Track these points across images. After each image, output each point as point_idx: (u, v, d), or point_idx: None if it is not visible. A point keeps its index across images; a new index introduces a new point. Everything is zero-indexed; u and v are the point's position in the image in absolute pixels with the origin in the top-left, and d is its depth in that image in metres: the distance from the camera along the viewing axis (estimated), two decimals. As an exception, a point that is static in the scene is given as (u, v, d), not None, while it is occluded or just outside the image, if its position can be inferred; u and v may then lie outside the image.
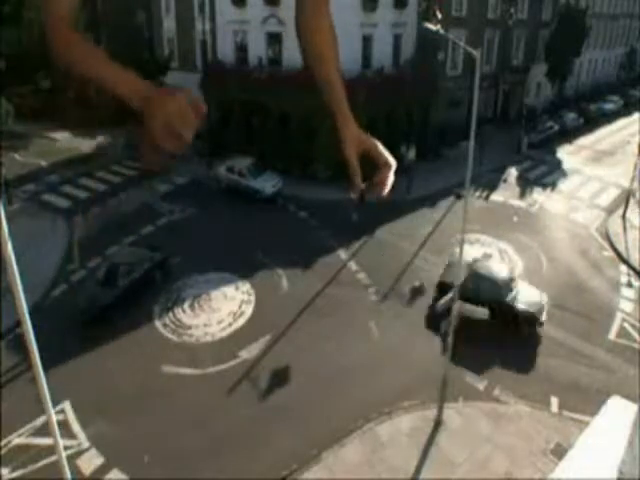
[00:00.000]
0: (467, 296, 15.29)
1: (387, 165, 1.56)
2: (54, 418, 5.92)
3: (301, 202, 26.05)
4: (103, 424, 13.61)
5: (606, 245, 23.67)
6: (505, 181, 30.49)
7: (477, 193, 27.91)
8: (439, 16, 25.31)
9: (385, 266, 20.99)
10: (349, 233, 22.99)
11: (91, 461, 12.66)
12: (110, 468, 12.51)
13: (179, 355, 16.15)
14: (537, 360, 16.31)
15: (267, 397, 14.76)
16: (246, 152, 28.64)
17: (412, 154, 27.15)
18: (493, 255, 21.62)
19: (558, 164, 33.90)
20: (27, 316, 5.18)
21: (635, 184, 26.22)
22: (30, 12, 26.72)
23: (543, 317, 17.08)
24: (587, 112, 44.24)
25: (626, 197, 26.33)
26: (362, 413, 14.02)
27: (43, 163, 30.99)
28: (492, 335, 16.66)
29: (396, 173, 1.55)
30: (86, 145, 32.90)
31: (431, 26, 18.15)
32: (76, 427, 13.52)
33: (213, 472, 12.25)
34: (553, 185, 30.38)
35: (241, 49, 31.15)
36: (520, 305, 17.06)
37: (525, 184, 30.15)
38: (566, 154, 35.91)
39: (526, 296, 17.47)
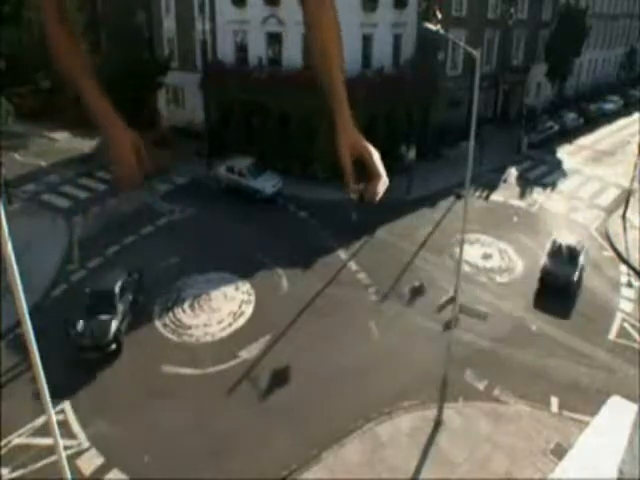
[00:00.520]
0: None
1: (377, 177, 1.55)
2: (54, 418, 5.93)
3: (301, 202, 26.04)
4: (103, 424, 13.61)
5: (606, 245, 23.70)
6: (505, 181, 30.48)
7: (477, 193, 27.90)
8: (439, 16, 25.33)
9: (385, 266, 20.98)
10: (349, 233, 22.98)
11: (91, 461, 12.67)
12: (110, 468, 12.52)
13: (179, 355, 16.14)
14: (537, 360, 16.32)
15: (267, 397, 14.76)
16: (246, 152, 28.64)
17: (412, 154, 27.13)
18: (493, 255, 21.60)
19: (558, 164, 33.88)
20: (27, 316, 5.18)
21: (635, 184, 26.21)
22: (30, 12, 26.70)
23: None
24: (587, 112, 44.22)
25: (626, 197, 26.34)
26: (362, 413, 14.03)
27: (43, 163, 30.98)
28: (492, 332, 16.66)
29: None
30: (86, 145, 32.87)
31: (431, 26, 18.11)
32: (76, 427, 13.53)
33: (213, 472, 12.26)
34: (553, 185, 30.37)
35: (241, 49, 31.12)
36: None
37: (525, 184, 30.14)
38: (566, 154, 35.89)
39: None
